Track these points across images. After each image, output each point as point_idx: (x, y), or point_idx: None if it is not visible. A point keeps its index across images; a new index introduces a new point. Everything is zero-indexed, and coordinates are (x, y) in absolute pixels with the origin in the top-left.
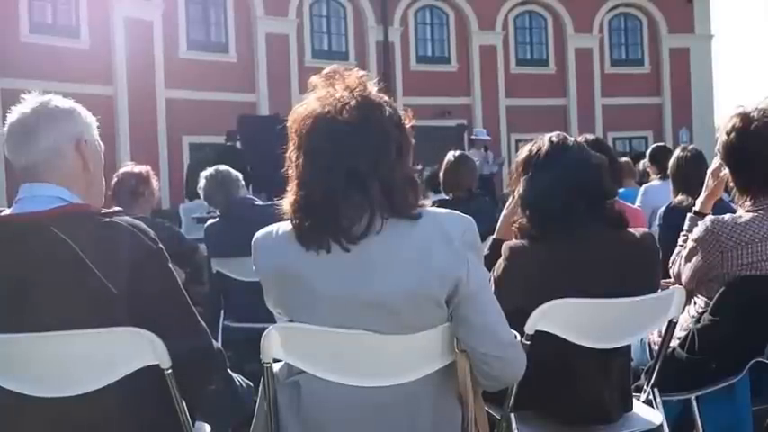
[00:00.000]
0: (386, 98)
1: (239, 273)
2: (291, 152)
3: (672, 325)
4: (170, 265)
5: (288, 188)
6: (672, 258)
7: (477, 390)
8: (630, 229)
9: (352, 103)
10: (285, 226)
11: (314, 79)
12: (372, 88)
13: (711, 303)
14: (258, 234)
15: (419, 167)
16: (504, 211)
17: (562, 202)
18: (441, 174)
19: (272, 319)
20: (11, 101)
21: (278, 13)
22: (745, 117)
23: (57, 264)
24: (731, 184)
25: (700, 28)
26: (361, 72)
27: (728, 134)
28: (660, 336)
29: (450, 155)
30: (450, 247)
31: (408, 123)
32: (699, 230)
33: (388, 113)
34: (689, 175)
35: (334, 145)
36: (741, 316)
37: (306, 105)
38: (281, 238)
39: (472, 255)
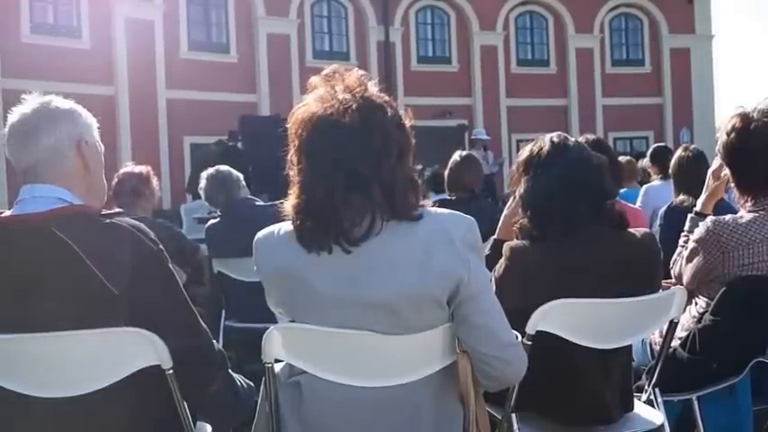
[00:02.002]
0: (386, 98)
1: (240, 273)
2: (292, 154)
3: (673, 325)
4: (171, 266)
5: (289, 191)
6: (673, 259)
7: (478, 390)
8: (631, 230)
9: (354, 105)
10: (286, 226)
11: (314, 80)
12: (373, 88)
13: (712, 304)
14: (259, 234)
15: (419, 167)
16: (505, 212)
17: (563, 203)
18: (446, 173)
19: (273, 320)
20: (12, 101)
21: (279, 14)
22: (745, 117)
23: (57, 265)
24: (732, 185)
25: (700, 28)
26: (361, 72)
27: (729, 134)
28: (661, 336)
29: (457, 155)
30: (452, 248)
31: (408, 123)
32: (700, 231)
33: (389, 114)
34: (690, 174)
35: (336, 147)
36: (742, 316)
37: (306, 107)
38: (283, 238)
39: (473, 255)
